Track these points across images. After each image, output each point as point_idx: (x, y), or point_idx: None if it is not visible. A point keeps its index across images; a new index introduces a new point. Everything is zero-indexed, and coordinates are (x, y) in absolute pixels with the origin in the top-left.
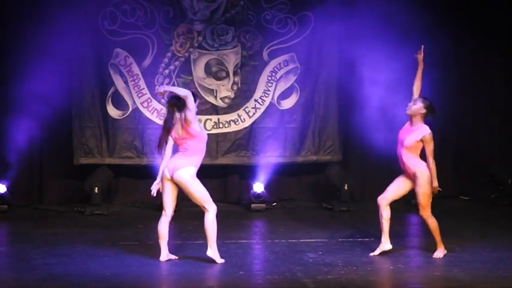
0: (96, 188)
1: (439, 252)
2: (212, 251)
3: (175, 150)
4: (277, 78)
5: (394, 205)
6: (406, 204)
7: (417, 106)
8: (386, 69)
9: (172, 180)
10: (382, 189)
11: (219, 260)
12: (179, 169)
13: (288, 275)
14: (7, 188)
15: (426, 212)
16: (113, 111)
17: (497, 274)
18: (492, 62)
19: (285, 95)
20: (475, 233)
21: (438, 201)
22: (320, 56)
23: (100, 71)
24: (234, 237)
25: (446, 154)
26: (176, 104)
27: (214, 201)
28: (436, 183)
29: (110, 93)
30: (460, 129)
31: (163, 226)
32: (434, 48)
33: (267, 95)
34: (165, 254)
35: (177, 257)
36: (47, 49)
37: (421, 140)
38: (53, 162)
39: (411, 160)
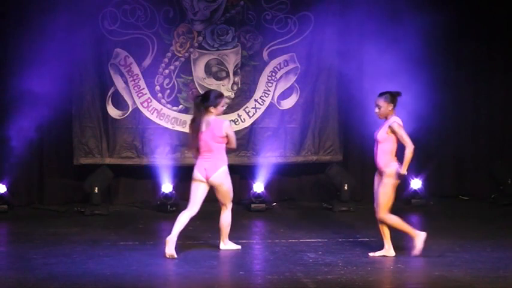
0: (96, 188)
1: (418, 242)
2: (225, 244)
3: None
4: (277, 78)
5: (393, 205)
6: (406, 204)
7: (384, 108)
8: (387, 69)
9: (207, 182)
10: None
11: (237, 246)
12: (216, 171)
13: (288, 275)
14: (7, 188)
15: (383, 213)
16: (113, 111)
17: (497, 274)
18: (492, 62)
19: (285, 95)
20: (475, 233)
21: (438, 201)
22: (320, 56)
23: (100, 71)
24: (234, 237)
25: (446, 154)
26: (202, 104)
27: (214, 201)
28: (405, 171)
29: (110, 93)
30: (460, 129)
31: (184, 216)
32: (434, 48)
33: (267, 95)
34: (172, 248)
35: (176, 257)
36: (47, 49)
37: (391, 131)
38: (53, 162)
39: (384, 157)
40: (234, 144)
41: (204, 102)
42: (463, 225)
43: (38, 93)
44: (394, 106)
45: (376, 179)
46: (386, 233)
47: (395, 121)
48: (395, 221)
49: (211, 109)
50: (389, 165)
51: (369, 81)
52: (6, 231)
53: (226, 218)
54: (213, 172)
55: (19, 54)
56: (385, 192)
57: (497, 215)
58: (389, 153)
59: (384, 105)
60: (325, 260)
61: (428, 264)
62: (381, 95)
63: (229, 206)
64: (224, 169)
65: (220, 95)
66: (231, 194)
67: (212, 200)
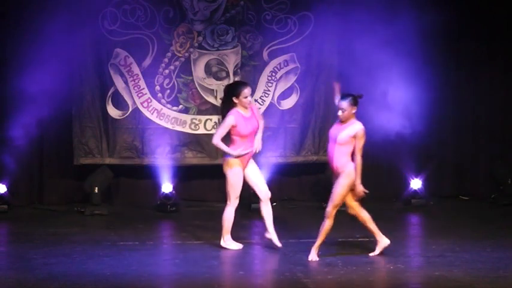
0: (96, 188)
1: (316, 256)
2: (224, 241)
3: None
4: (277, 78)
5: (393, 205)
6: (406, 204)
7: (347, 111)
8: (387, 69)
9: None
10: (382, 188)
11: (238, 246)
12: (223, 161)
13: (288, 275)
14: (7, 188)
15: (332, 212)
16: (113, 111)
17: (497, 274)
18: (492, 62)
19: (285, 95)
20: (475, 233)
21: (438, 201)
22: (320, 56)
23: (100, 71)
24: (234, 237)
25: (446, 154)
26: (228, 93)
27: (214, 201)
28: (359, 181)
29: (110, 93)
30: (460, 129)
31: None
32: (434, 48)
33: (267, 95)
34: (274, 239)
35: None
36: (47, 49)
37: (354, 136)
38: (53, 162)
39: (342, 158)
40: (213, 140)
41: (228, 91)
42: (463, 225)
43: (37, 93)
44: (356, 109)
45: (335, 179)
46: (373, 228)
47: (363, 128)
48: (330, 228)
49: (234, 99)
50: (346, 166)
51: (369, 81)
52: (6, 231)
53: (225, 213)
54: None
55: (19, 54)
56: (340, 192)
57: (497, 215)
58: (347, 154)
59: (348, 109)
60: (325, 260)
61: (428, 264)
62: (344, 98)
63: (231, 202)
64: (226, 160)
65: (240, 84)
66: (232, 190)
67: (212, 200)
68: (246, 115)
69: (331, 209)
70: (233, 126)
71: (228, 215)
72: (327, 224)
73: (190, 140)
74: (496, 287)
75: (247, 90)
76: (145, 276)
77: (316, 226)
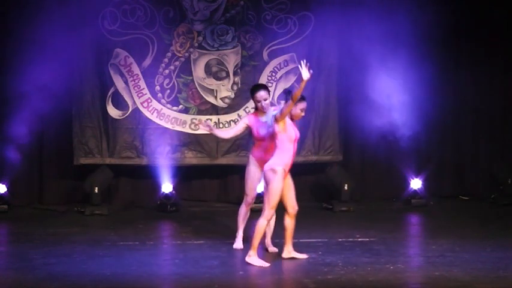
0: (96, 188)
1: (300, 254)
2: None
3: None
4: (277, 78)
5: (393, 205)
6: (406, 204)
7: (303, 110)
8: (387, 69)
9: None
10: (382, 189)
11: (240, 246)
12: None
13: (288, 275)
14: (7, 188)
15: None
16: (113, 111)
17: (497, 274)
18: (492, 62)
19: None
20: (475, 233)
21: (438, 201)
22: (320, 56)
23: (100, 71)
24: (234, 237)
25: (446, 154)
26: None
27: (214, 201)
28: None
29: (110, 93)
30: (460, 129)
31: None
32: (434, 48)
33: None
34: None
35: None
36: (47, 49)
37: None
38: (53, 162)
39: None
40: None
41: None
42: (463, 225)
43: (37, 93)
44: None
45: (282, 177)
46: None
47: None
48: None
49: (253, 102)
50: None
51: (369, 81)
52: (6, 231)
53: (239, 208)
54: None
55: (19, 54)
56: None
57: (497, 215)
58: None
59: (304, 107)
60: (325, 260)
61: (428, 264)
62: (303, 99)
63: (245, 198)
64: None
65: (255, 88)
66: (246, 186)
67: (212, 200)
68: (263, 119)
69: (296, 209)
70: (250, 129)
71: (240, 210)
72: (293, 222)
73: (190, 140)
74: (496, 287)
75: (259, 94)
76: (145, 276)
77: (316, 226)
